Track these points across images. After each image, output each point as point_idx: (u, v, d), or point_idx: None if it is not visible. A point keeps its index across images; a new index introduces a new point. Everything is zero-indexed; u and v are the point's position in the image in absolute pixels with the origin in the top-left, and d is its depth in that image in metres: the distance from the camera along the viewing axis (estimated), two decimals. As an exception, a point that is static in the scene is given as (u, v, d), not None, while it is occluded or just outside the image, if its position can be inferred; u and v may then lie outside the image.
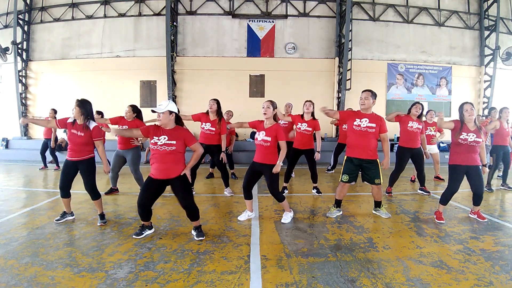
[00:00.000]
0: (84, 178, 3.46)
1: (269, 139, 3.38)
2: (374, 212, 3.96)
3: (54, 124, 3.51)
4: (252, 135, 9.56)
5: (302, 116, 4.88)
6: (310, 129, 4.78)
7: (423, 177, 5.03)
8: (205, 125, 4.72)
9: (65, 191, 3.48)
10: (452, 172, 3.64)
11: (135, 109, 4.80)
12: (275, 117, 3.52)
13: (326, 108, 3.73)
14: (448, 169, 3.68)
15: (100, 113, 6.22)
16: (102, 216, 3.53)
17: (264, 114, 3.45)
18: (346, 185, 3.79)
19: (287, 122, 5.51)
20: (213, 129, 4.69)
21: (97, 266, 2.48)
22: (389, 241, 3.09)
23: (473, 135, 3.47)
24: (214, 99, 4.78)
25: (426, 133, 5.77)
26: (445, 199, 3.70)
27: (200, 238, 3.05)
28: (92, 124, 3.45)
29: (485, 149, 6.63)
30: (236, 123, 3.85)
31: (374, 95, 3.61)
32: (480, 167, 3.57)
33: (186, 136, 3.00)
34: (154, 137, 2.93)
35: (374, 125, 3.55)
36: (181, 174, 2.96)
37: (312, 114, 4.84)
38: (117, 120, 4.77)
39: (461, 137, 3.50)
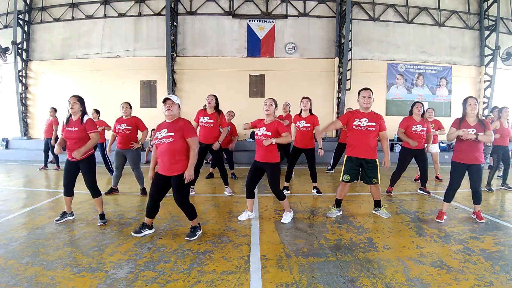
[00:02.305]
0: (85, 177, 3.47)
1: (269, 133, 3.40)
2: (374, 212, 3.96)
3: (62, 141, 3.45)
4: (252, 135, 9.56)
5: (300, 114, 4.89)
6: (309, 125, 4.78)
7: (426, 178, 5.01)
8: (204, 118, 4.71)
9: (69, 189, 3.50)
10: (453, 169, 3.68)
11: (130, 105, 4.82)
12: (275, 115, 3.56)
13: (325, 129, 3.78)
14: (450, 165, 3.71)
15: (97, 111, 6.23)
16: (102, 216, 3.54)
17: (267, 110, 3.48)
18: (347, 184, 3.80)
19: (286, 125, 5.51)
20: (212, 121, 4.67)
21: (97, 266, 2.48)
22: (389, 241, 3.09)
23: (472, 130, 3.47)
24: (213, 95, 4.80)
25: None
26: (447, 196, 3.71)
27: (188, 238, 3.03)
28: (86, 117, 3.42)
29: (486, 150, 6.64)
30: (245, 124, 3.77)
31: (372, 93, 3.65)
32: (482, 166, 3.56)
33: (185, 127, 2.94)
34: (157, 133, 2.99)
35: (374, 123, 3.56)
36: (184, 177, 2.90)
37: (310, 110, 4.84)
38: (115, 124, 4.75)
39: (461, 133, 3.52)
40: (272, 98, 3.55)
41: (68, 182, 3.47)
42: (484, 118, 7.17)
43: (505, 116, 5.26)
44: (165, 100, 2.93)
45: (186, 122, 3.01)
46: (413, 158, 4.94)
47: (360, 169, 3.72)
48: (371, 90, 3.64)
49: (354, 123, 3.61)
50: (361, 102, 3.63)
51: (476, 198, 3.69)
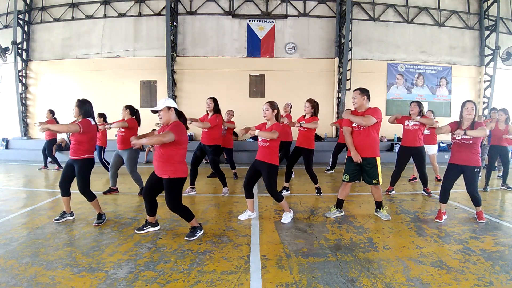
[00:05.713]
0: (77, 181, 3.40)
1: (268, 139, 3.39)
2: (375, 213, 3.93)
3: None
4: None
5: (304, 116, 4.90)
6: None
7: (425, 178, 4.93)
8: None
9: (64, 190, 3.47)
10: (446, 170, 3.71)
11: (127, 107, 4.81)
12: (277, 117, 3.51)
13: (349, 146, 3.65)
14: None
15: (102, 115, 6.12)
16: (98, 216, 3.53)
17: (264, 116, 3.48)
18: (348, 184, 3.79)
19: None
20: (209, 124, 4.73)
21: (97, 266, 2.48)
22: (389, 241, 3.09)
23: (460, 132, 3.46)
24: (211, 98, 4.81)
25: (424, 134, 5.71)
26: (441, 196, 3.72)
27: (187, 238, 3.03)
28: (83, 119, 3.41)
29: (484, 149, 6.66)
30: (244, 129, 3.76)
31: (363, 92, 3.59)
32: (476, 169, 3.51)
33: (170, 127, 2.90)
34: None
35: None
36: (132, 144, 2.91)
37: (314, 113, 4.80)
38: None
39: (453, 135, 3.55)
40: (269, 102, 3.49)
41: (63, 182, 3.45)
42: (484, 118, 7.20)
43: (502, 118, 5.29)
44: (153, 112, 2.97)
45: (174, 123, 2.93)
46: (411, 158, 4.92)
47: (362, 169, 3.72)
48: (359, 90, 3.60)
49: (354, 124, 3.63)
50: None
51: (474, 201, 3.69)
